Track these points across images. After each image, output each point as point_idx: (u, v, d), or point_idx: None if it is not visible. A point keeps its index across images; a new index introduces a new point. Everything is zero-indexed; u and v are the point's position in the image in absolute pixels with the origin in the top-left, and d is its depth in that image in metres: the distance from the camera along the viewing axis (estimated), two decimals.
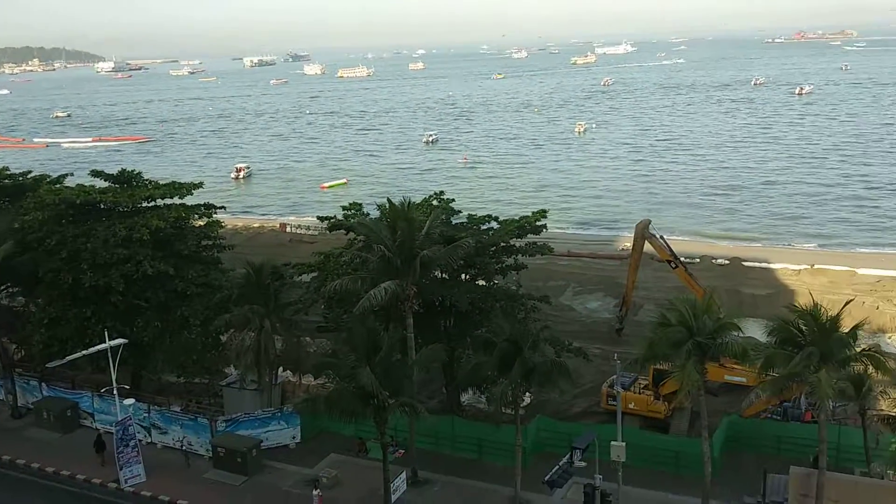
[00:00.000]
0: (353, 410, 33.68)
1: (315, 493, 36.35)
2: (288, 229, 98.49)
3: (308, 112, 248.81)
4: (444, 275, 44.38)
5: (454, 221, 48.48)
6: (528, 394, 42.66)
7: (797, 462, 33.37)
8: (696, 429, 38.79)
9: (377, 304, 37.05)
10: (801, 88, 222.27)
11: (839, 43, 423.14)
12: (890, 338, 60.94)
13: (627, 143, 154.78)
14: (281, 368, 48.30)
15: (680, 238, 79.77)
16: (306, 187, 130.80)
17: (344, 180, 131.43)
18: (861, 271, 73.68)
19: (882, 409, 38.17)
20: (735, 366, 39.93)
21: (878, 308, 62.67)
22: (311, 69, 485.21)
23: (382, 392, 32.61)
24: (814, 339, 28.85)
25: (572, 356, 43.77)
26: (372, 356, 33.61)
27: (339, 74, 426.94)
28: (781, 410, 43.71)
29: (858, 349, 29.97)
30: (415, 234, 38.11)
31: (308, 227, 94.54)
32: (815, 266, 75.21)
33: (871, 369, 31.15)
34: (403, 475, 34.95)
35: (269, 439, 43.21)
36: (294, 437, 43.96)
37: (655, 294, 65.60)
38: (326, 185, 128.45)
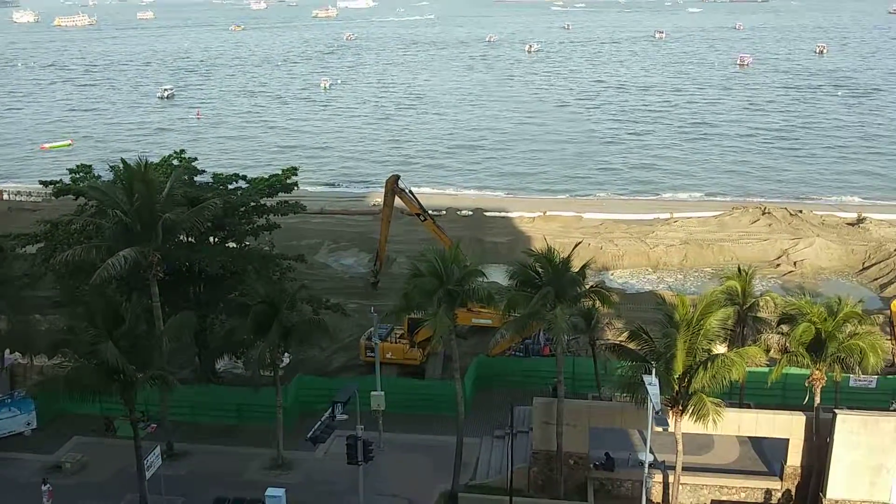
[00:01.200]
0: (97, 388, 31.37)
1: (44, 487, 33.41)
2: (5, 196, 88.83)
3: (22, 65, 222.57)
4: (190, 239, 42.30)
5: (198, 181, 46.20)
6: (286, 354, 42.28)
7: (539, 393, 36.36)
8: (448, 371, 40.84)
9: (117, 273, 34.59)
10: (530, 46, 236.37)
11: (562, 3, 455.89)
12: (612, 274, 67.94)
13: (372, 100, 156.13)
14: (8, 350, 43.83)
15: (426, 192, 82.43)
16: (24, 149, 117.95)
17: (68, 141, 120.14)
18: (587, 216, 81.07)
19: (608, 339, 42.60)
20: (481, 309, 42.38)
21: (601, 248, 69.40)
22: (22, 16, 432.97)
23: (129, 366, 30.66)
24: (549, 280, 31.35)
25: (330, 313, 43.96)
26: (114, 329, 31.37)
27: (55, 23, 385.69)
28: (523, 347, 47.32)
29: (587, 286, 33.02)
30: (154, 196, 35.86)
31: (30, 194, 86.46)
32: (548, 213, 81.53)
33: (598, 304, 34.52)
34: (157, 450, 33.27)
35: (0, 428, 39.15)
36: (29, 424, 40.23)
37: (407, 247, 67.48)
38: (47, 145, 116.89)
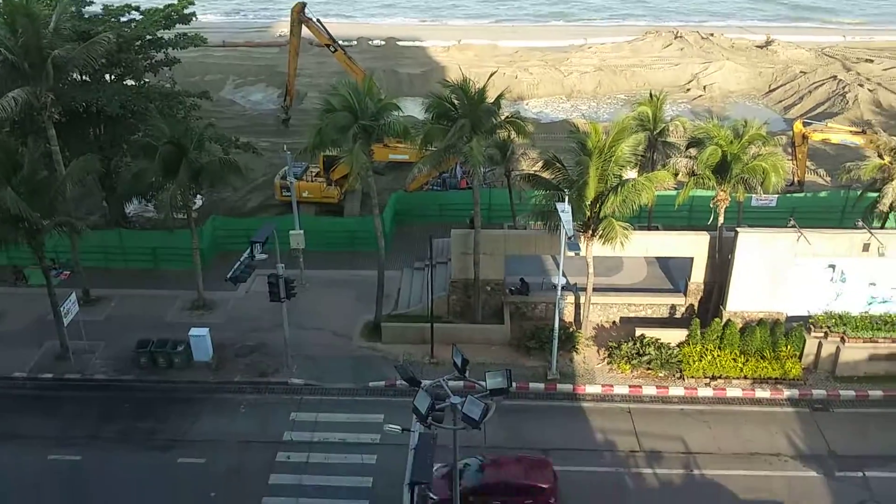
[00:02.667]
0: (1, 238, 30.27)
1: None
2: None
3: None
4: (84, 77, 39.68)
5: (86, 14, 42.77)
6: (199, 196, 41.32)
7: (457, 225, 36.93)
8: (367, 208, 40.85)
9: (8, 116, 32.47)
10: None
11: None
12: (527, 104, 67.78)
13: None
14: None
15: (335, 21, 78.84)
16: None
17: None
18: (501, 44, 79.50)
19: (523, 170, 43.04)
20: (398, 144, 41.99)
21: (516, 77, 68.73)
22: None
23: (32, 213, 29.51)
24: (465, 112, 30.97)
25: (241, 152, 42.75)
26: (12, 176, 29.88)
27: None
28: (441, 181, 47.54)
29: (503, 117, 32.80)
30: (40, 31, 33.17)
31: None
32: (462, 41, 79.54)
33: (513, 135, 34.50)
34: (73, 296, 32.76)
35: None
36: None
37: (318, 80, 65.34)
38: None
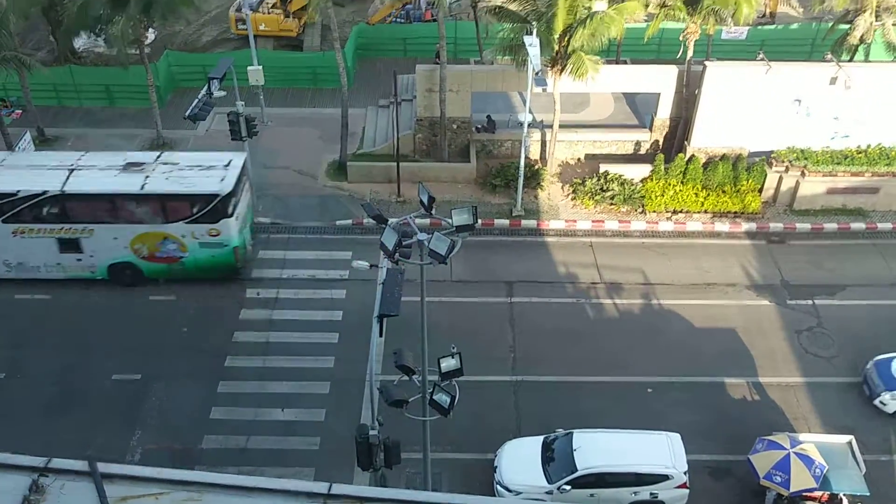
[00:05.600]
0: None
1: None
2: None
3: None
4: None
5: None
6: (151, 29, 39.35)
7: (422, 60, 35.88)
8: (328, 42, 39.39)
9: None
10: None
11: None
12: None
13: None
14: None
15: None
16: None
17: None
18: None
19: (490, 1, 41.43)
20: None
21: None
22: None
23: None
24: None
25: None
26: None
27: None
28: (404, 13, 45.71)
29: None
30: None
31: None
32: None
33: None
34: (27, 135, 31.79)
35: None
36: None
37: None
38: None
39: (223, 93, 29.96)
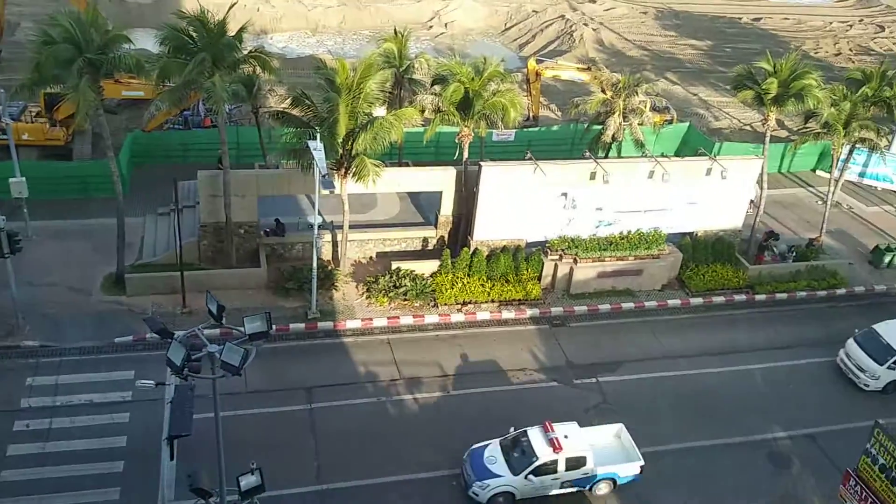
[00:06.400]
0: None
1: None
2: None
3: None
4: None
5: None
6: None
7: (204, 166, 35.16)
8: (100, 150, 37.57)
9: None
10: None
11: None
12: (271, 38, 65.55)
13: None
14: None
15: None
16: None
17: None
18: None
19: (272, 106, 41.80)
20: (131, 80, 38.95)
21: (258, 10, 65.99)
22: None
23: None
24: (204, 45, 29.23)
25: None
26: None
27: None
28: (182, 119, 44.79)
29: (246, 51, 31.40)
30: None
31: None
32: None
33: (258, 70, 33.22)
34: None
35: None
36: None
37: (32, 9, 58.25)
38: None
39: None
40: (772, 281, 36.68)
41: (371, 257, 35.98)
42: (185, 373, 15.27)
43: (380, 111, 33.76)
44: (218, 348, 15.29)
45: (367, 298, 33.28)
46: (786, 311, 35.82)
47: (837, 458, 26.93)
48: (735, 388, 30.86)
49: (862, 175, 46.62)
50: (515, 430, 25.69)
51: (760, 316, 35.41)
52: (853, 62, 65.01)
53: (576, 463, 24.74)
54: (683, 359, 32.12)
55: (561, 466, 24.60)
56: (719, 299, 35.84)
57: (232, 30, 30.05)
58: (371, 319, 32.30)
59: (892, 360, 30.60)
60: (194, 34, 29.57)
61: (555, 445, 24.52)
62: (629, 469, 25.51)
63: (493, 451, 25.23)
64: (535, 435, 25.08)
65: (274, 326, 18.68)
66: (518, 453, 24.92)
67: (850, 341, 31.94)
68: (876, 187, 46.78)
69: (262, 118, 38.29)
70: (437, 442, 26.75)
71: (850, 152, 41.18)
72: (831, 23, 77.00)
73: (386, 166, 32.80)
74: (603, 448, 25.78)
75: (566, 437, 24.93)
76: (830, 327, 34.55)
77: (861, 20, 78.20)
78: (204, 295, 17.38)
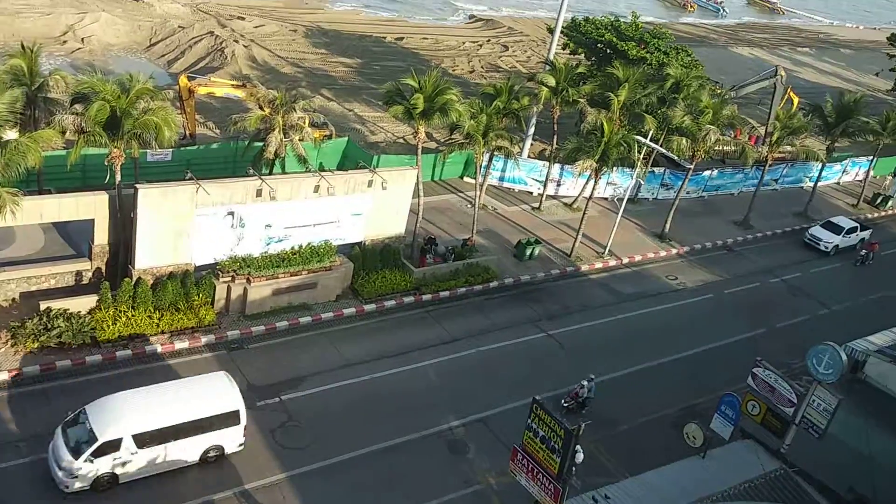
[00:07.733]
0: None
1: None
2: None
3: None
4: None
5: None
6: None
7: None
8: None
9: None
10: None
11: None
12: None
13: None
14: None
15: None
16: None
17: None
18: None
19: None
20: None
21: None
22: None
23: None
24: None
25: None
26: None
27: None
28: None
29: None
30: None
31: None
32: None
33: None
34: None
35: None
36: None
37: None
38: None
39: None
40: (435, 281, 39.26)
41: (14, 299, 31.87)
42: None
43: (11, 134, 30.16)
44: None
45: (13, 346, 29.41)
46: (451, 307, 38.60)
47: (505, 436, 29.52)
48: (412, 385, 32.50)
49: (502, 179, 52.00)
50: None
51: (429, 314, 37.73)
52: (485, 78, 71.99)
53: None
54: (362, 365, 33.06)
55: None
56: (391, 303, 37.50)
57: None
58: (20, 370, 28.62)
59: None
60: None
61: None
62: None
63: None
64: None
65: None
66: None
67: None
68: (514, 189, 52.41)
69: None
70: None
71: (490, 159, 45.72)
72: (464, 42, 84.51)
73: (25, 194, 29.32)
74: None
75: None
76: (491, 317, 38.03)
77: (489, 40, 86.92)
78: None
